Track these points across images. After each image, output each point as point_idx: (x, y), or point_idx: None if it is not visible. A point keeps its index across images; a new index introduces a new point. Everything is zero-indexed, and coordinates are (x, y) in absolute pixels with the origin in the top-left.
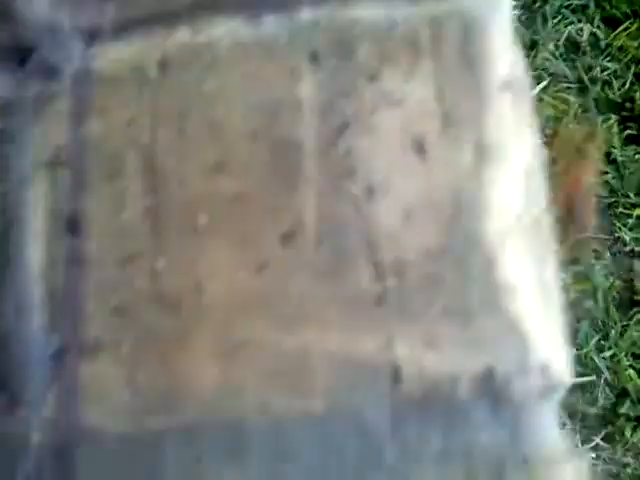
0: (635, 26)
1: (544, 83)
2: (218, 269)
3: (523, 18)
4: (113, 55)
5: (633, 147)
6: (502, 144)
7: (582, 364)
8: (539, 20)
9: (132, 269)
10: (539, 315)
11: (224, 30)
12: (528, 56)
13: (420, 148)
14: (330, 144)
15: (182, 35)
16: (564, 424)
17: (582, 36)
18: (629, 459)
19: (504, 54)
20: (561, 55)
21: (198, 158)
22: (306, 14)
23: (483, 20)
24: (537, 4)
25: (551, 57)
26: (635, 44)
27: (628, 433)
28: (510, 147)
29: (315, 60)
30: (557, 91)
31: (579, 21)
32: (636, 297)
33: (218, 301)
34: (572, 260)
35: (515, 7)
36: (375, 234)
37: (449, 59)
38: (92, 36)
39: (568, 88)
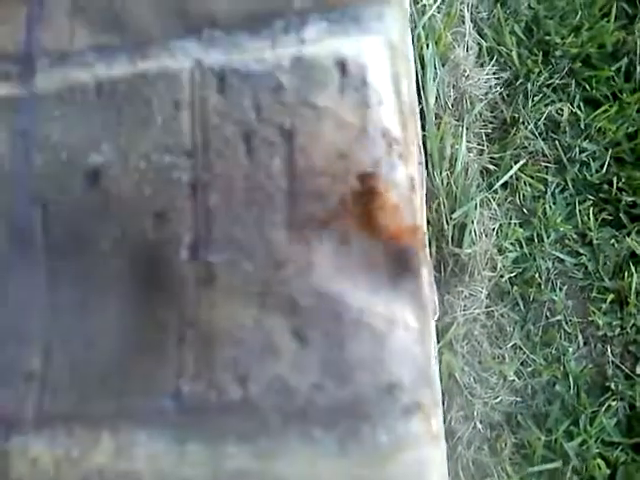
0: (614, 109)
1: (522, 162)
2: None
3: (505, 95)
4: None
5: (609, 230)
6: None
7: (551, 449)
8: (520, 98)
9: None
10: None
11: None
12: (508, 134)
13: None
14: None
15: None
16: None
17: (562, 115)
18: None
19: None
20: (540, 134)
21: None
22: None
23: None
24: (519, 82)
25: (531, 135)
26: (614, 127)
27: None
28: None
29: None
30: (536, 170)
31: (560, 100)
32: (607, 383)
33: None
34: (544, 343)
35: (497, 84)
36: None
37: None
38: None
39: (546, 167)
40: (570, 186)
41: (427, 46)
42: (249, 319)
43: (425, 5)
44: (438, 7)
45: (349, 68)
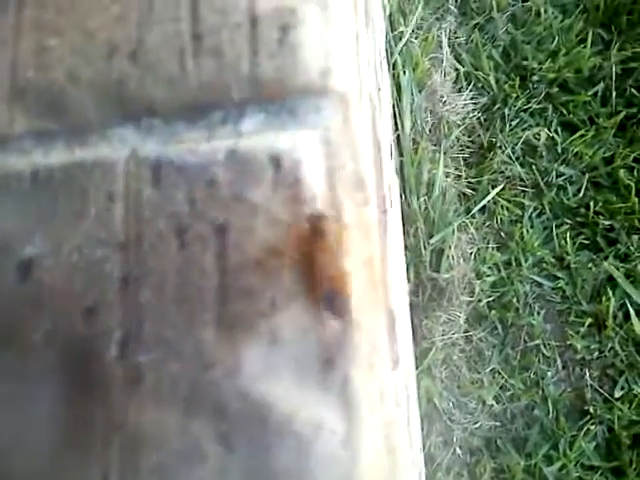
0: (591, 134)
1: (500, 187)
2: None
3: (482, 120)
4: None
5: (586, 253)
6: None
7: (530, 474)
8: (498, 123)
9: None
10: None
11: None
12: (485, 158)
13: None
14: None
15: None
16: None
17: (539, 140)
18: None
19: None
20: (518, 158)
21: None
22: None
23: None
24: (496, 106)
25: (508, 160)
26: (591, 151)
27: None
28: None
29: None
30: (513, 195)
31: (537, 125)
32: (586, 407)
33: None
34: (522, 367)
35: (474, 109)
36: None
37: None
38: None
39: (524, 192)
40: (547, 210)
41: (404, 72)
42: (175, 424)
43: (402, 31)
44: (415, 32)
45: (283, 163)
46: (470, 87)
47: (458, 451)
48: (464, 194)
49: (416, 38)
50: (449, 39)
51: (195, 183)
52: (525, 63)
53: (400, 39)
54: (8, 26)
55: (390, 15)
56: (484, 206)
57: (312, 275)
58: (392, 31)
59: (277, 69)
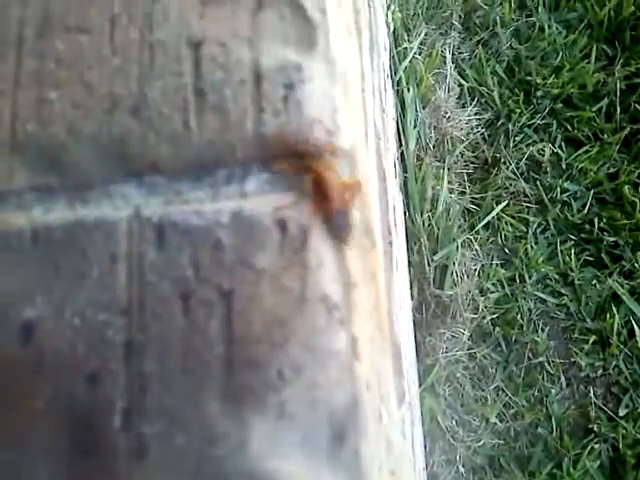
0: (595, 149)
1: (504, 203)
2: None
3: (486, 136)
4: None
5: (591, 270)
6: None
7: None
8: (502, 138)
9: None
10: None
11: None
12: (489, 174)
13: None
14: None
15: None
16: None
17: (544, 156)
18: None
19: None
20: (522, 174)
21: None
22: None
23: None
24: (500, 122)
25: (512, 176)
26: (595, 167)
27: None
28: None
29: None
30: (517, 211)
31: (541, 140)
32: (590, 425)
33: None
34: (526, 384)
35: (478, 125)
36: None
37: None
38: None
39: (528, 208)
40: (552, 226)
41: (408, 89)
42: None
43: (406, 48)
44: (419, 48)
45: (289, 228)
46: (474, 103)
47: (461, 469)
48: (468, 210)
49: (420, 54)
50: (453, 55)
51: (200, 246)
52: (529, 78)
53: (404, 55)
54: (8, 76)
55: (394, 31)
56: (488, 222)
57: None
58: (396, 47)
59: (282, 127)
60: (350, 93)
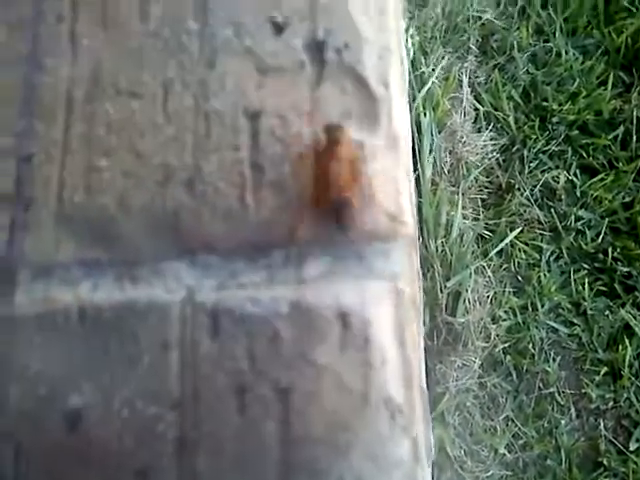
0: (610, 178)
1: (518, 229)
2: None
3: (501, 161)
4: None
5: (604, 300)
6: None
7: None
8: (516, 164)
9: None
10: None
11: None
12: (504, 200)
13: None
14: None
15: None
16: None
17: (558, 183)
18: None
19: None
20: (536, 201)
21: None
22: None
23: None
24: (515, 147)
25: (526, 202)
26: (610, 196)
27: None
28: None
29: None
30: (531, 238)
31: (556, 167)
32: (600, 458)
33: None
34: (536, 415)
35: (493, 150)
36: None
37: None
38: None
39: (541, 235)
40: (565, 254)
41: (425, 114)
42: None
43: (424, 72)
44: (436, 72)
45: (351, 321)
46: (490, 127)
47: None
48: (482, 236)
49: (437, 78)
50: (469, 79)
51: (256, 337)
52: (545, 104)
53: (422, 80)
54: (56, 141)
55: (413, 55)
56: (501, 249)
57: None
58: (414, 71)
59: None
60: (409, 171)
